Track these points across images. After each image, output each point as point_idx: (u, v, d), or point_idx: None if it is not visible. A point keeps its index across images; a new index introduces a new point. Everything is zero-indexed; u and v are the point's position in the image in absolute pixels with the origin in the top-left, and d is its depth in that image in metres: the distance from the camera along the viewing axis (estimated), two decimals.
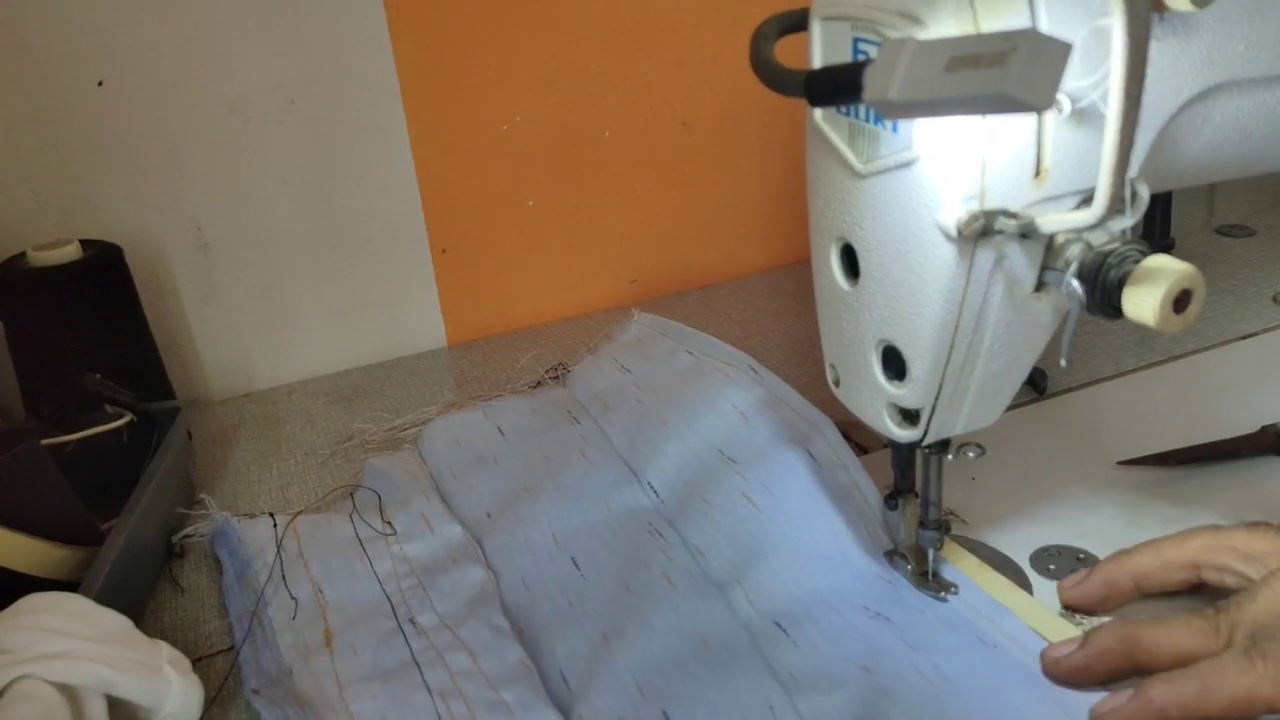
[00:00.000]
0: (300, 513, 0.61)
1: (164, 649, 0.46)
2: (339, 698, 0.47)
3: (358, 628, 0.52)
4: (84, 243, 0.69)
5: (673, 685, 0.46)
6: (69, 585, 0.49)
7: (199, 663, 0.48)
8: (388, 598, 0.54)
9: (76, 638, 0.43)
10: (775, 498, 0.55)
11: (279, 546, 0.58)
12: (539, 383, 0.78)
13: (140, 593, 0.57)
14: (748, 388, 0.62)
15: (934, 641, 0.48)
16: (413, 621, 0.52)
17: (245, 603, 0.54)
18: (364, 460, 0.69)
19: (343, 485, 0.66)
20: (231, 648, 0.53)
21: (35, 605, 0.45)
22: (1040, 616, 0.49)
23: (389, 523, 0.60)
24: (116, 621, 0.46)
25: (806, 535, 0.53)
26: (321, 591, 0.54)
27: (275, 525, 0.59)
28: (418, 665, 0.49)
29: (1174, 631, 0.42)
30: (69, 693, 0.41)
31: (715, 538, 0.55)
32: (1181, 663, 0.40)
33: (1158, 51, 0.37)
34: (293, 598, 0.54)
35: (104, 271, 0.70)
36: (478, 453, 0.67)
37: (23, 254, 0.68)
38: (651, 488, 0.61)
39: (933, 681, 0.46)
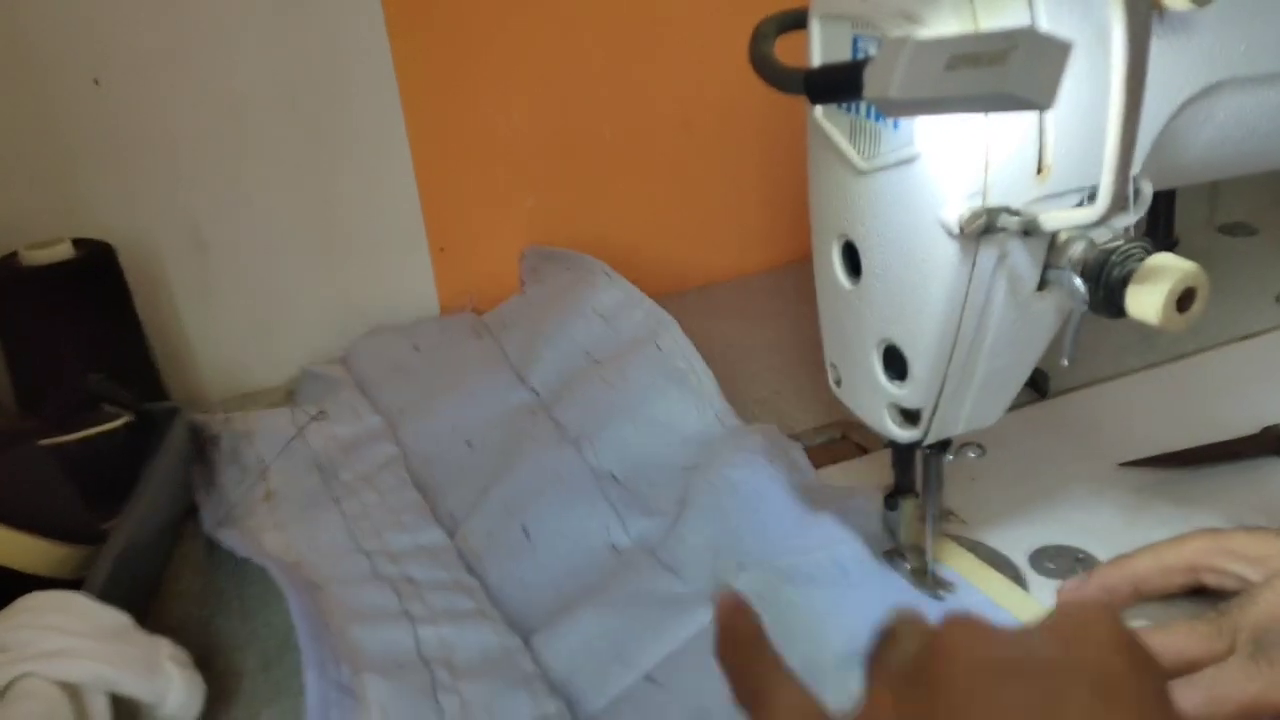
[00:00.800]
0: (253, 411, 0.74)
1: (164, 646, 0.46)
2: (273, 525, 0.61)
3: (292, 485, 0.65)
4: (76, 242, 0.69)
5: (531, 508, 0.59)
6: (70, 584, 0.49)
7: (199, 659, 0.48)
8: (318, 467, 0.67)
9: (77, 635, 0.43)
10: (626, 379, 0.67)
11: (234, 434, 0.70)
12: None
13: (141, 591, 0.57)
14: (606, 290, 0.74)
15: (731, 458, 0.58)
16: (336, 476, 0.66)
17: (205, 475, 0.67)
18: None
19: (284, 384, 0.81)
20: (233, 647, 0.53)
21: (36, 604, 0.45)
22: (1039, 616, 0.49)
23: (322, 410, 0.72)
24: (117, 619, 0.46)
25: (646, 409, 0.65)
26: (263, 460, 0.67)
27: (228, 419, 0.72)
28: (336, 500, 0.63)
29: (1176, 637, 0.41)
30: (70, 690, 0.41)
31: (575, 412, 0.68)
32: (1186, 669, 0.40)
33: (1159, 49, 0.37)
34: (242, 468, 0.67)
35: (96, 271, 0.70)
36: (395, 364, 0.78)
37: (15, 253, 0.68)
38: (534, 390, 0.72)
39: (727, 494, 0.56)
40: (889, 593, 0.51)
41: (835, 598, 0.50)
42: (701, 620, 0.51)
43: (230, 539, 0.59)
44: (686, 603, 0.52)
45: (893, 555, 0.52)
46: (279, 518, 0.62)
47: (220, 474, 0.66)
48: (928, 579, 0.51)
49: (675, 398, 0.66)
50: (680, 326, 0.69)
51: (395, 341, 0.82)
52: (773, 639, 0.32)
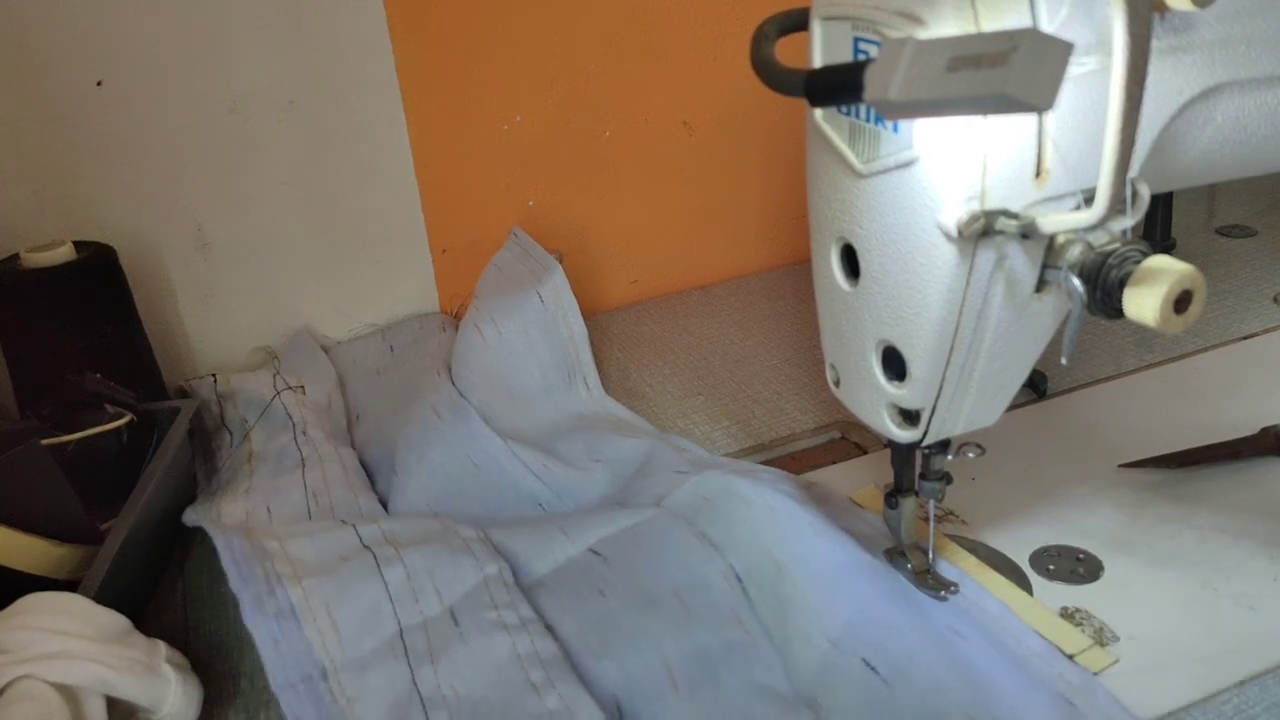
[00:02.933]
0: (239, 372, 0.79)
1: (162, 648, 0.46)
2: (252, 486, 0.64)
3: (269, 444, 0.69)
4: (78, 244, 0.69)
5: (453, 505, 0.62)
6: (69, 584, 0.49)
7: (198, 662, 0.48)
8: (292, 425, 0.70)
9: (75, 637, 0.43)
10: (500, 332, 0.71)
11: (221, 395, 0.75)
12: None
13: (140, 592, 0.57)
14: (509, 249, 0.80)
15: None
16: (304, 432, 0.69)
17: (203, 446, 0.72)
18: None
19: (265, 346, 0.84)
20: (231, 649, 0.53)
21: (34, 605, 0.44)
22: (1040, 616, 0.49)
23: (301, 387, 0.75)
24: (115, 621, 0.46)
25: (522, 377, 0.70)
26: (246, 421, 0.72)
27: (215, 381, 0.76)
28: (302, 466, 0.66)
29: None
30: (68, 693, 0.41)
31: (464, 372, 0.71)
32: None
33: (1159, 51, 0.37)
34: (229, 431, 0.72)
35: (97, 273, 0.70)
36: (373, 366, 0.81)
37: (16, 255, 0.68)
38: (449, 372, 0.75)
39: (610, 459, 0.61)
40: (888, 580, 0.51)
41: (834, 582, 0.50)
42: (648, 514, 0.55)
43: (191, 515, 0.61)
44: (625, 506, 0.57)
45: (893, 555, 0.52)
46: (254, 479, 0.65)
47: (212, 441, 0.71)
48: (929, 579, 0.51)
49: (547, 360, 0.71)
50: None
51: (375, 344, 0.84)
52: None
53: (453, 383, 0.71)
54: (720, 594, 0.50)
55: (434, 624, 0.49)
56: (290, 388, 0.74)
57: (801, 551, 0.50)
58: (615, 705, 0.45)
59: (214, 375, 0.76)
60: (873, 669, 0.46)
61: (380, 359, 0.82)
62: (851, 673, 0.45)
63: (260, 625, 0.48)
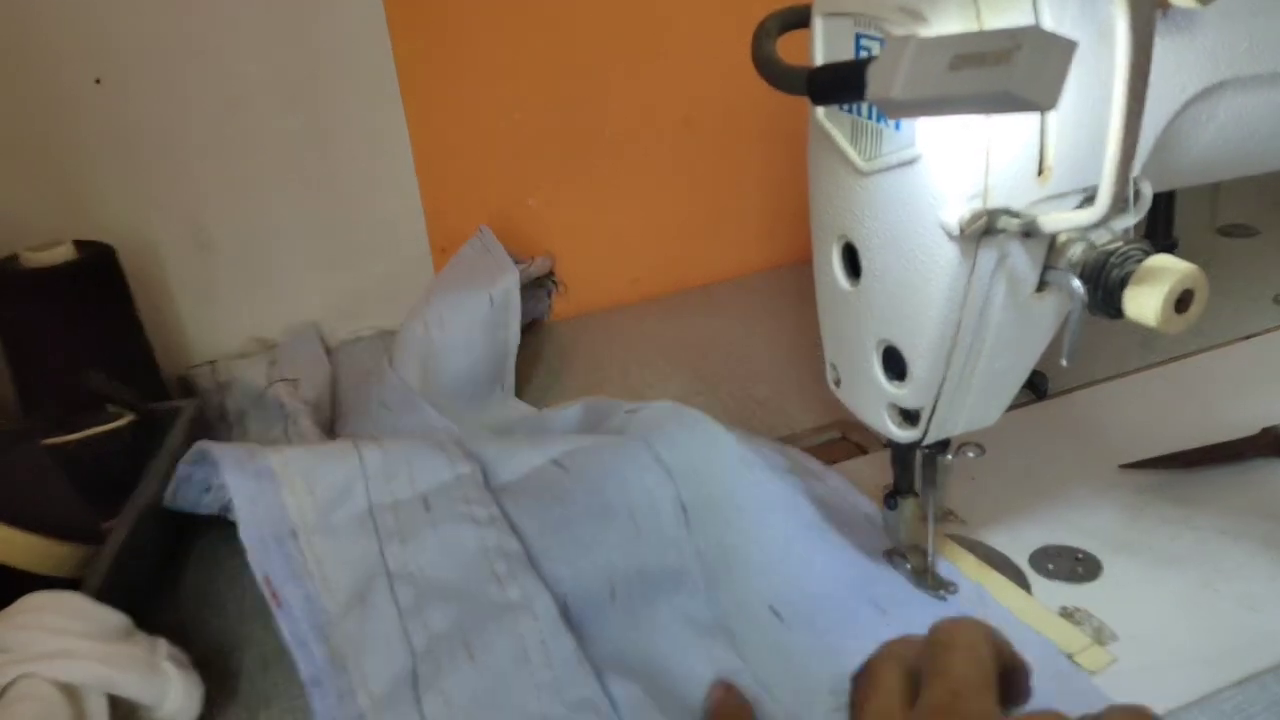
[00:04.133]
0: (237, 357, 0.80)
1: (163, 646, 0.46)
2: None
3: (265, 435, 0.69)
4: (77, 243, 0.69)
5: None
6: (70, 583, 0.49)
7: (198, 661, 0.48)
8: (284, 416, 0.69)
9: (76, 636, 0.43)
10: (444, 329, 0.71)
11: (219, 384, 0.76)
12: None
13: (141, 591, 0.57)
14: (471, 245, 0.79)
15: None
16: (295, 422, 0.68)
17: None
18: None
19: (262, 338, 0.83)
20: (232, 647, 0.53)
21: (36, 604, 0.44)
22: (1040, 617, 0.49)
23: (295, 380, 0.74)
24: (117, 619, 0.45)
25: (458, 377, 0.71)
26: (246, 414, 0.72)
27: (213, 368, 0.78)
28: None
29: None
30: (69, 691, 0.41)
31: (405, 365, 0.73)
32: None
33: (1161, 49, 0.37)
34: (230, 425, 0.72)
35: (97, 272, 0.70)
36: (366, 369, 0.79)
37: (15, 255, 0.68)
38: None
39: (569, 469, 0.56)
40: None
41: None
42: (611, 437, 0.57)
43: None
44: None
45: (893, 555, 0.52)
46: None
47: (214, 432, 0.71)
48: (928, 579, 0.51)
49: (489, 360, 0.71)
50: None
51: (378, 352, 0.83)
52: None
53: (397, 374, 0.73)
54: (667, 521, 0.52)
55: (405, 506, 0.52)
56: (285, 379, 0.74)
57: (733, 486, 0.53)
58: (564, 604, 0.48)
59: (212, 362, 0.78)
60: (776, 614, 0.49)
61: (375, 361, 0.81)
62: (759, 614, 0.50)
63: (239, 482, 0.50)
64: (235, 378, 0.76)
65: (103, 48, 0.71)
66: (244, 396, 0.74)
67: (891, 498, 0.51)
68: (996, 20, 0.36)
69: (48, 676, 0.41)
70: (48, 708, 0.40)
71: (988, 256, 0.39)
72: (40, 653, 0.41)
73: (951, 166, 0.38)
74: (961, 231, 0.38)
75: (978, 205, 0.38)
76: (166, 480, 0.59)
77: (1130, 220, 0.37)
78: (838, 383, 0.50)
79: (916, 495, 0.51)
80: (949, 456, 0.49)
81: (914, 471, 0.50)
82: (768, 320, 0.86)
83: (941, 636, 0.34)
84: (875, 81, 0.33)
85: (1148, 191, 0.37)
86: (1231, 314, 0.78)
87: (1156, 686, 0.45)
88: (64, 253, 0.67)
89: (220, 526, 0.58)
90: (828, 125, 0.43)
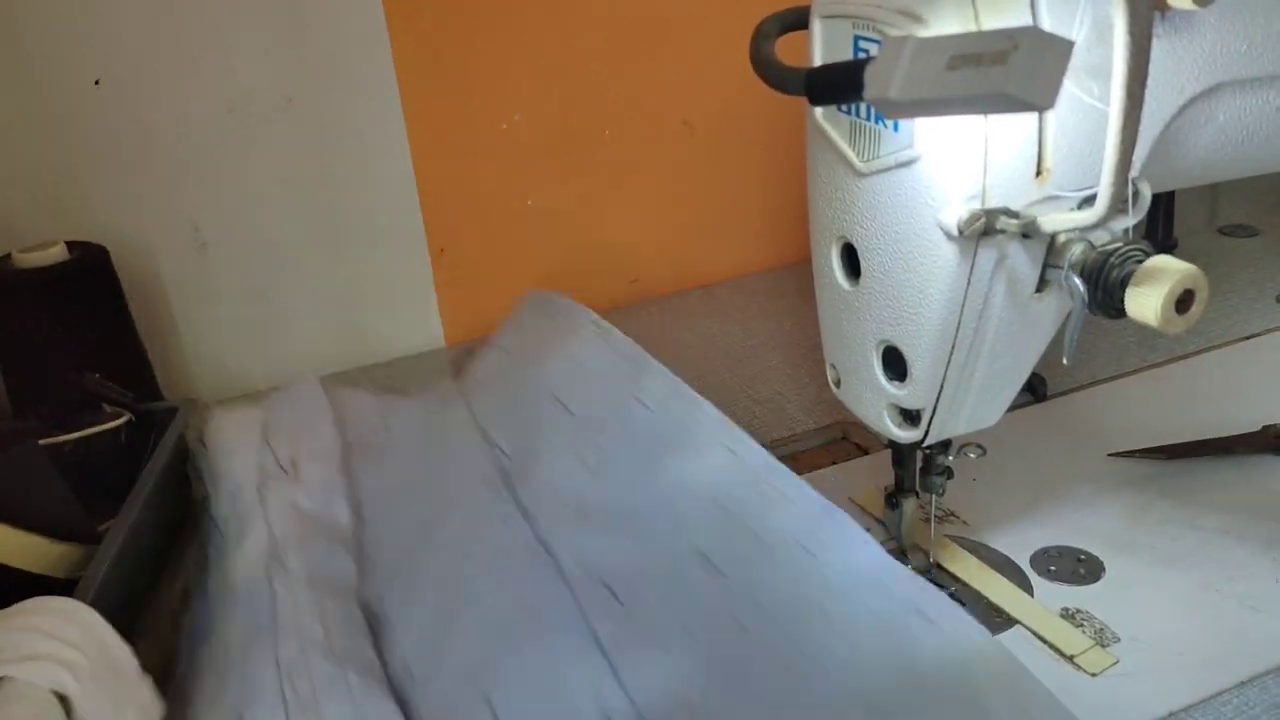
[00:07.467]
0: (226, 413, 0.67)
1: (145, 692, 0.44)
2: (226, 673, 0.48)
3: (239, 569, 0.54)
4: (70, 244, 0.69)
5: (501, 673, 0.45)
6: (67, 583, 0.49)
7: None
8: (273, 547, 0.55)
9: (67, 644, 0.42)
10: (606, 457, 0.56)
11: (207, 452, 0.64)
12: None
13: (138, 592, 0.57)
14: (590, 341, 0.65)
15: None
16: (284, 564, 0.52)
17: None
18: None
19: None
20: None
21: (35, 608, 0.44)
22: (1040, 617, 0.49)
23: (294, 464, 0.61)
24: (117, 647, 0.44)
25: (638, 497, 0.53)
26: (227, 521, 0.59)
27: (202, 433, 0.65)
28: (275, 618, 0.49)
29: None
30: (63, 698, 0.41)
31: (545, 494, 0.56)
32: None
33: (1160, 50, 0.37)
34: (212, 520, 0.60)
35: (89, 273, 0.70)
36: (370, 433, 0.67)
37: (8, 255, 0.67)
38: (501, 449, 0.62)
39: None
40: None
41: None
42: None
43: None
44: None
45: (893, 556, 0.52)
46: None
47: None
48: (929, 579, 0.51)
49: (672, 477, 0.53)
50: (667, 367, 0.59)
51: (372, 408, 0.71)
52: None
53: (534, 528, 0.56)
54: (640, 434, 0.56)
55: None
56: (281, 467, 0.61)
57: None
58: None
59: (197, 428, 0.66)
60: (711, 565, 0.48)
61: (384, 414, 0.70)
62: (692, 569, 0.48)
63: None
64: (217, 462, 0.63)
65: (101, 49, 0.71)
66: (228, 496, 0.61)
67: (892, 498, 0.51)
68: (994, 21, 0.35)
69: (25, 678, 0.40)
70: (40, 709, 0.40)
71: (987, 257, 0.39)
72: (20, 655, 0.41)
73: (950, 167, 0.38)
74: (960, 232, 0.38)
75: (976, 206, 0.38)
76: (162, 480, 0.59)
77: (1129, 221, 0.37)
78: (838, 383, 0.49)
79: (917, 495, 0.51)
80: (950, 457, 0.49)
81: (915, 472, 0.50)
82: (768, 320, 0.86)
83: None
84: (873, 82, 0.33)
85: (1146, 192, 0.37)
86: (1232, 314, 0.78)
87: (1158, 689, 0.45)
88: (56, 253, 0.67)
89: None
90: (826, 127, 0.43)
